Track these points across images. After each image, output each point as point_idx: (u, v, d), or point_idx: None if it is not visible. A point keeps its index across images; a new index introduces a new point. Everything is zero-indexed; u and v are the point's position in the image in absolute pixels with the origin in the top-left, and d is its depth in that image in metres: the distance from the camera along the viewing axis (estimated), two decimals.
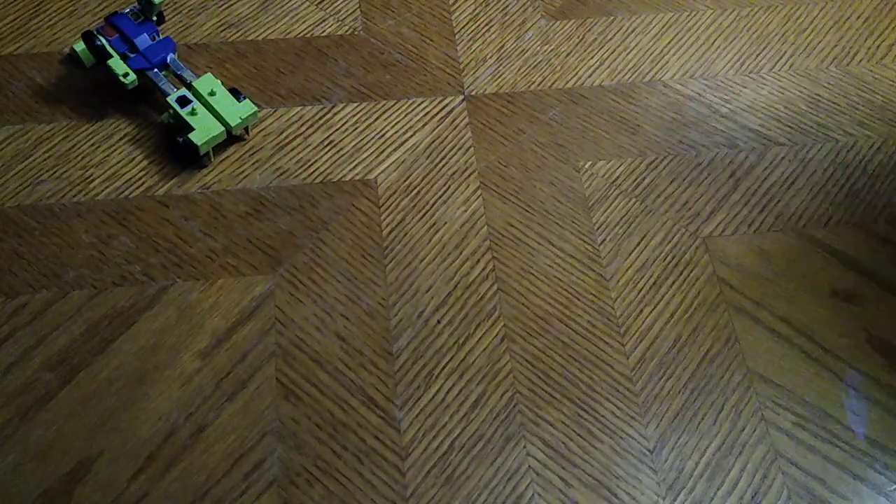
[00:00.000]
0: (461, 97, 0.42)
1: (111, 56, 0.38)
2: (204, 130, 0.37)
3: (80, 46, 0.40)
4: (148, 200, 0.37)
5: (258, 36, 0.43)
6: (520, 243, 0.37)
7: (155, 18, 0.40)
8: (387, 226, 0.37)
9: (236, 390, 0.32)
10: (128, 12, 0.40)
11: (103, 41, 0.39)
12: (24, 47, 0.42)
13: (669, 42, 0.45)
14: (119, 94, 0.40)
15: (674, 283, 0.36)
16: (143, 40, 0.39)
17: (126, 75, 0.38)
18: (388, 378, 0.33)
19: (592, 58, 0.44)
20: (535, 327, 0.34)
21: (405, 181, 0.39)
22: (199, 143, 0.36)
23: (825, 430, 0.33)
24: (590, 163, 0.39)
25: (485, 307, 0.35)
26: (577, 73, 0.43)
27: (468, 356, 0.33)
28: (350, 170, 0.39)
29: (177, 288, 0.34)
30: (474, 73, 0.43)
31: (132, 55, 0.39)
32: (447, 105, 0.42)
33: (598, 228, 0.38)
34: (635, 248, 0.37)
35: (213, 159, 0.38)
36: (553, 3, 0.46)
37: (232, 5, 0.44)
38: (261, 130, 0.40)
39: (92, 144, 0.39)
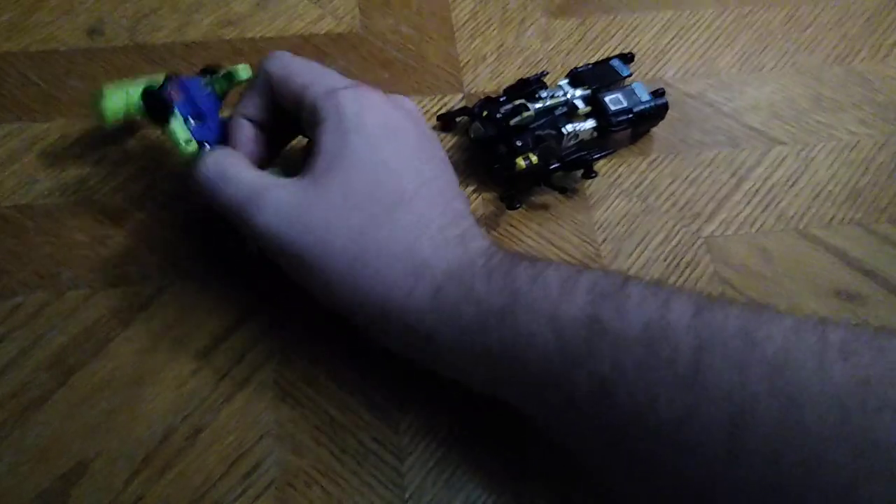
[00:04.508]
0: (461, 95, 0.42)
1: (173, 114, 0.32)
2: None
3: (109, 102, 0.33)
4: (146, 200, 0.37)
5: (256, 34, 0.43)
6: (520, 243, 0.37)
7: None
8: None
9: (234, 391, 0.32)
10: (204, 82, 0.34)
11: (171, 96, 0.33)
12: (20, 45, 0.41)
13: (671, 40, 0.45)
14: None
15: (675, 282, 0.36)
16: (212, 111, 0.34)
17: (188, 142, 0.32)
18: (388, 379, 0.32)
19: (593, 56, 0.43)
20: None
21: None
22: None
23: None
24: None
25: None
26: None
27: None
28: None
29: (174, 288, 0.34)
30: (474, 70, 0.43)
31: (196, 123, 0.33)
32: (447, 103, 0.41)
33: (598, 228, 0.38)
34: (636, 248, 0.37)
35: None
36: (553, 1, 0.46)
37: (230, 3, 0.44)
38: None
39: (89, 143, 0.38)
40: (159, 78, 0.33)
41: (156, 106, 0.32)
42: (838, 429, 0.22)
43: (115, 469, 0.30)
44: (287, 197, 0.28)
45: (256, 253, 0.33)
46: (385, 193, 0.28)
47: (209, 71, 0.35)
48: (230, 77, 0.34)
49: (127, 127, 0.39)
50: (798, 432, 0.22)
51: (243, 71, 0.34)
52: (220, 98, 0.35)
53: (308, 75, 0.31)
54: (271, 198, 0.28)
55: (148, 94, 0.32)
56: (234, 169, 0.30)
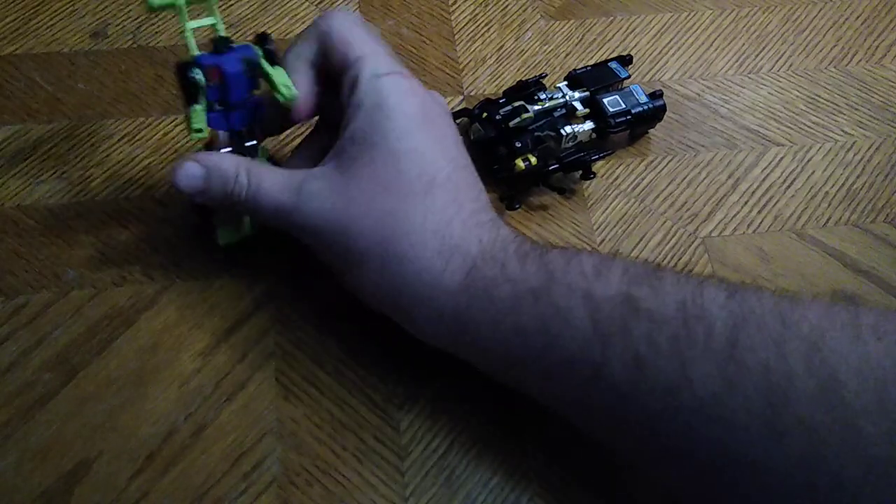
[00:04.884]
0: (461, 97, 0.42)
1: (197, 102, 0.30)
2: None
3: None
4: (148, 200, 0.37)
5: None
6: None
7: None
8: None
9: (236, 390, 0.32)
10: (244, 62, 0.30)
11: (201, 80, 0.30)
12: (23, 47, 0.42)
13: (669, 42, 0.45)
14: (120, 93, 0.41)
15: None
16: (243, 97, 0.31)
17: (199, 131, 0.31)
18: (388, 377, 0.33)
19: (592, 58, 0.44)
20: None
21: None
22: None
23: None
24: None
25: None
26: None
27: None
28: None
29: (177, 288, 0.34)
30: (474, 73, 0.43)
31: (218, 109, 0.31)
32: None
33: (597, 228, 0.38)
34: (634, 248, 0.37)
35: None
36: (552, 4, 0.46)
37: (231, 5, 0.44)
38: None
39: (92, 144, 0.39)
40: None
41: (185, 87, 0.30)
42: (876, 405, 0.22)
43: (117, 467, 0.30)
44: (320, 188, 0.29)
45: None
46: (415, 178, 0.28)
47: (263, 40, 0.31)
48: (273, 85, 0.31)
49: (128, 126, 0.39)
50: (836, 408, 0.22)
51: (287, 92, 0.31)
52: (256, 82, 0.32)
53: (363, 48, 0.30)
54: (306, 194, 0.29)
55: (182, 69, 0.30)
56: (267, 181, 0.30)
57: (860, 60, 0.45)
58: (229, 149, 0.32)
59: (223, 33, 0.31)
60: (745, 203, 0.39)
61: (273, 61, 0.31)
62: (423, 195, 0.28)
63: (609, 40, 0.45)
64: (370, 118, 0.29)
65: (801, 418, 0.23)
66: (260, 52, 0.31)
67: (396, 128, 0.29)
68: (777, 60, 0.45)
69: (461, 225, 0.28)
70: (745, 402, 0.23)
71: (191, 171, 0.30)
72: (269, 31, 0.42)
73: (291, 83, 0.31)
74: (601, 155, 0.38)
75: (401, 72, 0.30)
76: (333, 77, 0.31)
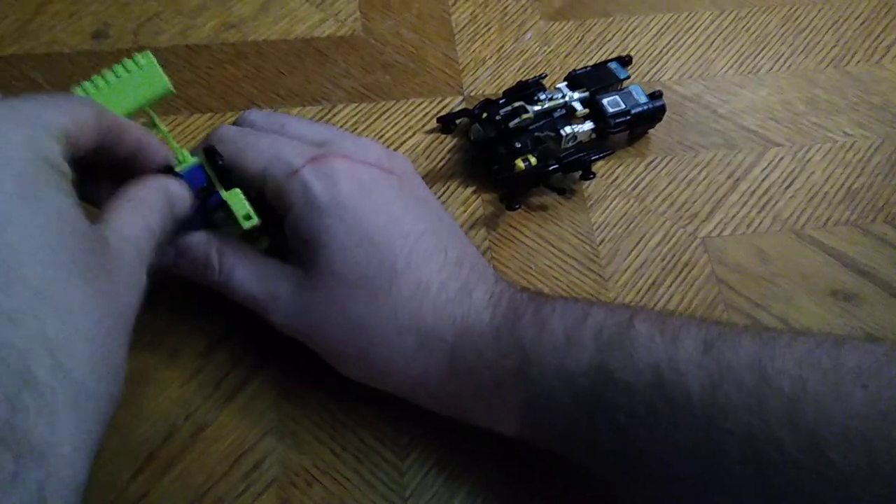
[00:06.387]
0: (461, 98, 0.42)
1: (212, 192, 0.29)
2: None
3: None
4: None
5: (258, 37, 0.43)
6: (519, 244, 0.37)
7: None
8: None
9: (236, 390, 0.32)
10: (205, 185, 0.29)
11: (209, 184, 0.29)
12: (25, 48, 0.42)
13: (668, 43, 0.45)
14: None
15: (672, 283, 0.36)
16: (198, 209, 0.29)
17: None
18: None
19: (591, 59, 0.44)
20: None
21: None
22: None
23: None
24: None
25: None
26: None
27: None
28: None
29: (177, 287, 0.34)
30: (473, 73, 0.43)
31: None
32: (447, 105, 0.42)
33: (596, 228, 0.38)
34: (634, 248, 0.37)
35: None
36: (552, 4, 0.46)
37: (232, 7, 0.45)
38: None
39: None
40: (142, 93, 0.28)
41: (212, 166, 0.29)
42: (867, 466, 0.21)
43: (117, 467, 0.30)
44: (288, 292, 0.29)
45: None
46: (377, 272, 0.27)
47: (212, 156, 0.29)
48: (233, 215, 0.29)
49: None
50: (826, 472, 0.22)
51: (248, 224, 0.29)
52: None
53: (262, 156, 0.28)
54: (280, 295, 0.29)
55: (206, 153, 0.29)
56: (238, 270, 0.29)
57: (859, 61, 0.45)
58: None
59: (164, 132, 0.29)
60: (745, 203, 0.39)
61: (226, 181, 0.29)
62: (388, 290, 0.27)
63: (609, 40, 0.45)
64: (308, 220, 0.27)
65: (792, 481, 0.22)
66: (209, 170, 0.29)
67: (337, 224, 0.27)
68: (777, 61, 0.45)
69: (432, 309, 0.27)
70: (733, 468, 0.23)
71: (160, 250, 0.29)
72: (268, 35, 0.42)
73: (251, 209, 0.28)
74: (601, 155, 0.38)
75: (313, 156, 0.28)
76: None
